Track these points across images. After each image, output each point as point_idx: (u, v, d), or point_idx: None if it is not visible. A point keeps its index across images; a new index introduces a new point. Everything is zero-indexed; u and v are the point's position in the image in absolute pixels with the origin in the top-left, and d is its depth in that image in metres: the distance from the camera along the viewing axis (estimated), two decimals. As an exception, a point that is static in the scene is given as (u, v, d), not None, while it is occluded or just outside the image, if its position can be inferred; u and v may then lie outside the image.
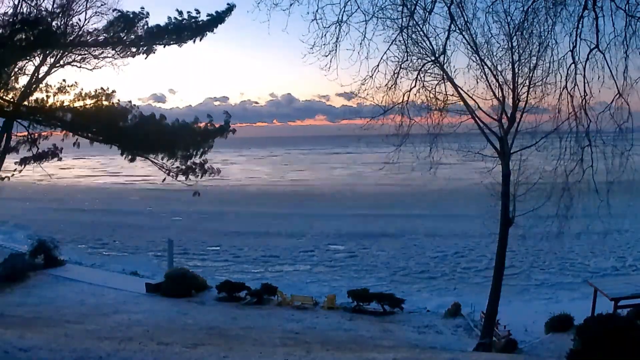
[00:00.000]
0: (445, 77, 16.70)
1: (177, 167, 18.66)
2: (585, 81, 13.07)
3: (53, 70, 19.65)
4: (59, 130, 19.13)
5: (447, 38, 14.39)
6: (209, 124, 18.34)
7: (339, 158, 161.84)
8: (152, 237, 49.69)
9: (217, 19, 18.04)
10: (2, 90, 19.06)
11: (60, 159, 20.75)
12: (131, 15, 17.24)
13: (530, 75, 16.39)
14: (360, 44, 11.85)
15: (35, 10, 16.81)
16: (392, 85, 15.24)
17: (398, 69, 14.96)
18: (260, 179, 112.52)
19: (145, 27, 17.48)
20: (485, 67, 16.91)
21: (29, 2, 16.71)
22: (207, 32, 18.26)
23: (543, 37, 14.07)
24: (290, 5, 10.42)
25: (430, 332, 23.98)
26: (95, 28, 17.83)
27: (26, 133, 19.79)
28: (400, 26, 12.93)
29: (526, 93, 16.96)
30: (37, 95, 19.60)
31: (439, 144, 17.15)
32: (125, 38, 17.55)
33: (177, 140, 17.75)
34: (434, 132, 17.03)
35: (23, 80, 19.83)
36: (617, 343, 12.13)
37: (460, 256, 42.10)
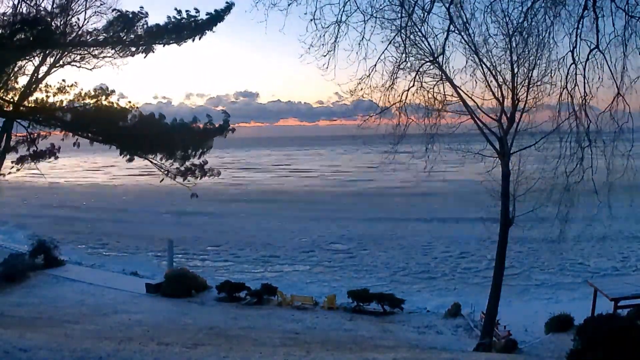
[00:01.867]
0: (444, 77, 16.68)
1: (177, 167, 18.66)
2: (585, 81, 13.08)
3: (53, 70, 19.69)
4: (58, 130, 19.14)
5: (446, 38, 14.43)
6: (208, 124, 18.34)
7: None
8: (152, 237, 49.70)
9: (216, 18, 18.05)
10: (2, 90, 19.08)
11: (57, 158, 20.76)
12: (130, 15, 17.25)
13: (530, 75, 16.38)
14: (359, 44, 11.88)
15: (34, 10, 16.83)
16: (389, 86, 15.25)
17: (396, 69, 14.97)
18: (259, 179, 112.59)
19: (145, 26, 17.50)
20: (484, 67, 16.87)
21: (29, 2, 16.74)
22: (207, 31, 18.28)
23: (542, 37, 14.08)
24: (289, 5, 10.43)
25: (430, 332, 23.95)
26: (95, 28, 17.87)
27: (26, 133, 19.82)
28: (398, 26, 12.94)
29: (525, 93, 16.93)
30: (37, 95, 19.66)
31: (438, 144, 17.12)
32: (124, 38, 17.56)
33: (176, 140, 17.75)
34: (432, 132, 17.01)
35: (23, 80, 19.90)
36: (617, 343, 12.12)
37: (461, 256, 42.07)
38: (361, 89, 14.50)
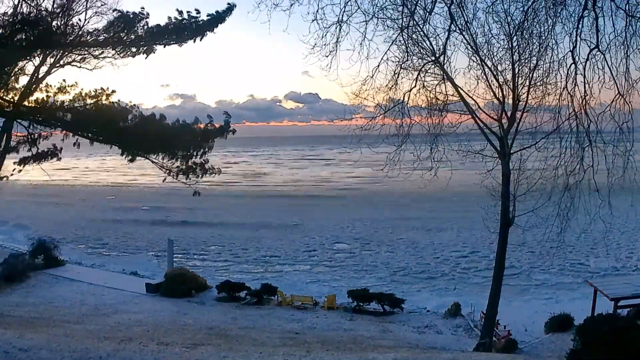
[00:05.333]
0: (445, 77, 16.65)
1: (178, 167, 18.69)
2: (586, 81, 13.09)
3: (53, 70, 19.67)
4: (59, 130, 19.15)
5: (447, 38, 14.39)
6: (209, 125, 18.36)
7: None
8: (152, 237, 49.71)
9: (217, 19, 18.08)
10: (2, 90, 19.07)
11: (59, 159, 20.77)
12: (131, 16, 17.28)
13: (531, 75, 16.33)
14: (361, 44, 11.89)
15: (35, 10, 16.83)
16: (392, 86, 15.26)
17: (398, 69, 14.97)
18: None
19: (146, 27, 17.53)
20: (486, 67, 16.81)
21: (29, 2, 16.73)
22: (208, 32, 18.30)
23: (543, 37, 14.11)
24: (291, 5, 10.43)
25: (430, 332, 23.98)
26: (96, 28, 17.91)
27: (26, 133, 19.81)
28: (400, 26, 12.96)
29: (526, 93, 16.91)
30: (37, 95, 19.65)
31: (439, 144, 17.09)
32: (125, 38, 17.59)
33: (177, 140, 17.78)
34: (434, 133, 16.99)
35: (23, 80, 19.86)
36: (617, 343, 12.12)
37: (461, 256, 42.11)
38: (365, 90, 14.53)
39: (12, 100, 19.24)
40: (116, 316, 22.58)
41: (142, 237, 50.30)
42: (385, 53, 13.63)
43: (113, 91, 19.63)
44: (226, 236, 50.60)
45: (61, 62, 19.49)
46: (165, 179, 19.23)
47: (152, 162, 18.55)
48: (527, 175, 17.66)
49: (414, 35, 14.78)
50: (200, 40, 18.31)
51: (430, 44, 15.61)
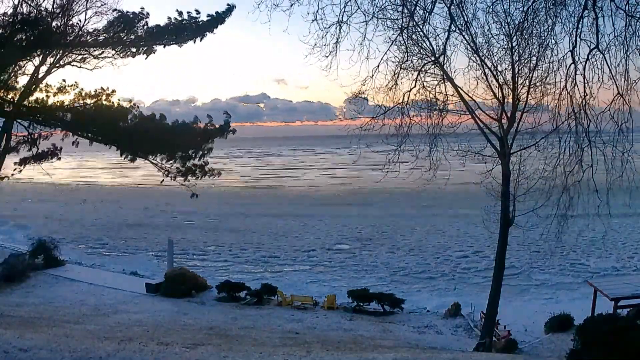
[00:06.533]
0: (445, 77, 16.66)
1: (177, 168, 18.65)
2: (585, 81, 13.09)
3: (53, 70, 19.67)
4: (59, 130, 19.14)
5: (447, 38, 14.40)
6: (208, 125, 18.33)
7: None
8: (152, 237, 49.70)
9: (217, 20, 18.09)
10: (2, 90, 19.06)
11: (59, 159, 20.76)
12: (131, 16, 17.30)
13: (530, 75, 16.35)
14: (361, 44, 11.91)
15: (35, 10, 16.85)
16: (392, 86, 15.28)
17: (398, 69, 15.00)
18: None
19: (145, 27, 17.55)
20: (486, 67, 16.83)
21: (29, 2, 16.74)
22: (207, 33, 18.31)
23: (543, 38, 14.13)
24: (291, 5, 10.45)
25: (430, 332, 23.97)
26: (95, 28, 17.94)
27: (26, 133, 19.81)
28: (400, 26, 12.98)
29: (526, 93, 16.92)
30: (37, 95, 19.62)
31: (438, 145, 17.09)
32: (125, 38, 17.61)
33: (176, 140, 17.75)
34: (434, 133, 16.98)
35: (23, 80, 19.85)
36: (617, 343, 12.11)
37: (461, 256, 42.11)
38: (365, 91, 14.56)
39: (12, 100, 19.23)
40: (116, 316, 22.56)
41: (142, 237, 50.29)
42: (385, 53, 13.67)
43: (113, 91, 19.63)
44: (226, 236, 50.61)
45: (61, 62, 19.49)
46: (163, 180, 19.19)
47: (152, 162, 18.53)
48: (526, 175, 17.67)
49: (413, 36, 14.80)
50: (200, 40, 18.34)
51: (430, 44, 15.64)
